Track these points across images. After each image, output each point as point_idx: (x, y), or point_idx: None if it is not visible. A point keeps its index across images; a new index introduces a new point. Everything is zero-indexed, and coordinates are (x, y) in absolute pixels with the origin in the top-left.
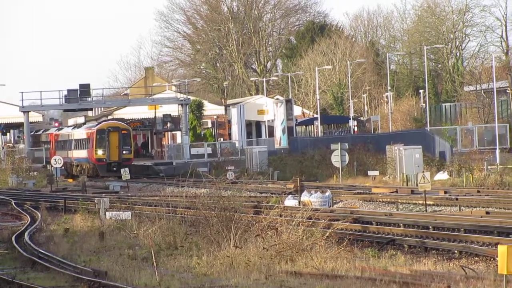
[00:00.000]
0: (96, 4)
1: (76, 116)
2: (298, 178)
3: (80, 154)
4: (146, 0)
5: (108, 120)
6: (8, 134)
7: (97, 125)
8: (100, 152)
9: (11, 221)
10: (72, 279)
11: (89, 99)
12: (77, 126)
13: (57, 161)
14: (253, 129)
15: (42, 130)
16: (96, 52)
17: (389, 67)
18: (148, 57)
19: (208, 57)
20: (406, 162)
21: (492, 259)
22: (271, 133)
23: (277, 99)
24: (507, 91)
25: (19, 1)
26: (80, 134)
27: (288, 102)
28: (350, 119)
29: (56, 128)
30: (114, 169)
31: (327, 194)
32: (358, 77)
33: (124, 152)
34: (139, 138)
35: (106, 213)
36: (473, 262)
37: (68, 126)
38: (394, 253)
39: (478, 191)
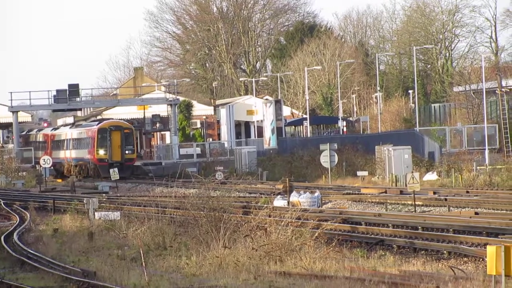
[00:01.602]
0: (85, 5)
1: (65, 116)
2: (287, 179)
3: (79, 154)
4: (135, 0)
5: (109, 119)
6: None
7: (98, 124)
8: (101, 152)
9: (0, 221)
10: (61, 279)
11: (78, 99)
12: (75, 125)
13: (46, 161)
14: (242, 129)
15: (35, 130)
16: (85, 52)
17: (378, 68)
18: (138, 57)
19: (198, 57)
20: (395, 163)
21: (481, 259)
22: (260, 133)
23: (266, 99)
24: (496, 91)
25: (7, 2)
26: (79, 133)
27: (277, 103)
28: (339, 119)
29: (51, 128)
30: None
31: (316, 194)
32: (347, 77)
33: (126, 152)
34: None
35: (95, 213)
36: (462, 262)
37: (66, 125)
38: (383, 253)
39: (467, 192)
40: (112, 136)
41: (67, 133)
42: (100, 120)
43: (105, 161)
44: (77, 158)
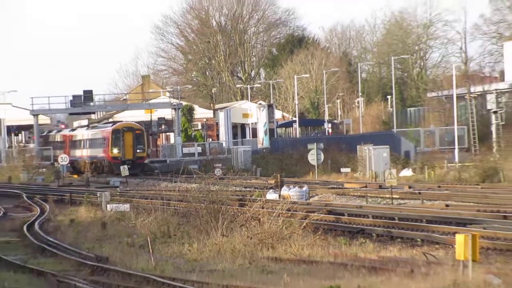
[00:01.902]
0: (98, 18)
1: (80, 119)
2: (278, 175)
3: (95, 152)
4: (143, 14)
5: (121, 121)
6: (19, 135)
7: (112, 125)
8: (115, 150)
9: (23, 212)
10: (77, 263)
11: (92, 103)
12: (90, 127)
13: (63, 159)
14: (239, 130)
15: (54, 131)
16: (98, 61)
17: (360, 76)
18: (145, 66)
19: (199, 66)
20: (375, 160)
21: (450, 246)
22: (254, 134)
23: (260, 104)
24: (466, 97)
25: (28, 21)
26: (95, 134)
27: (270, 107)
28: (325, 122)
29: (69, 129)
30: (129, 167)
31: (304, 188)
32: (332, 84)
33: (138, 150)
34: None
35: (107, 205)
36: (434, 249)
37: (82, 127)
38: (364, 241)
39: (439, 186)
40: (124, 137)
41: (84, 134)
42: (114, 122)
43: (118, 159)
44: (92, 156)
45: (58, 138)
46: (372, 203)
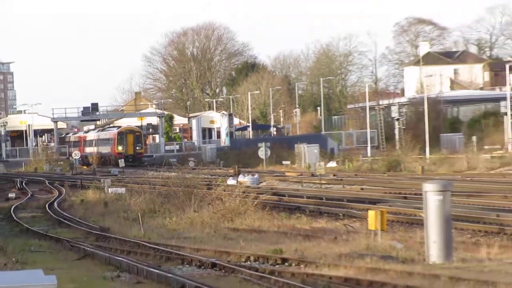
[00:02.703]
0: (103, 50)
1: (89, 124)
2: (236, 166)
3: (103, 149)
4: (136, 47)
5: (120, 126)
6: (43, 136)
7: (117, 129)
8: (120, 148)
9: (45, 194)
10: (86, 232)
11: (97, 113)
12: (100, 130)
13: (76, 154)
14: (207, 133)
15: (71, 133)
16: (102, 81)
17: (297, 92)
18: (137, 85)
19: (177, 85)
20: (308, 155)
21: (364, 219)
22: (218, 135)
23: (222, 113)
24: (376, 108)
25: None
26: (104, 135)
27: (230, 115)
28: (271, 126)
29: (83, 132)
30: (130, 160)
31: (255, 176)
32: (276, 98)
33: (137, 148)
34: None
35: (109, 189)
36: (352, 221)
37: (93, 130)
38: (300, 215)
39: (356, 174)
40: (127, 137)
41: (95, 135)
42: (118, 127)
43: (122, 154)
44: (101, 152)
45: (74, 138)
46: (306, 187)
